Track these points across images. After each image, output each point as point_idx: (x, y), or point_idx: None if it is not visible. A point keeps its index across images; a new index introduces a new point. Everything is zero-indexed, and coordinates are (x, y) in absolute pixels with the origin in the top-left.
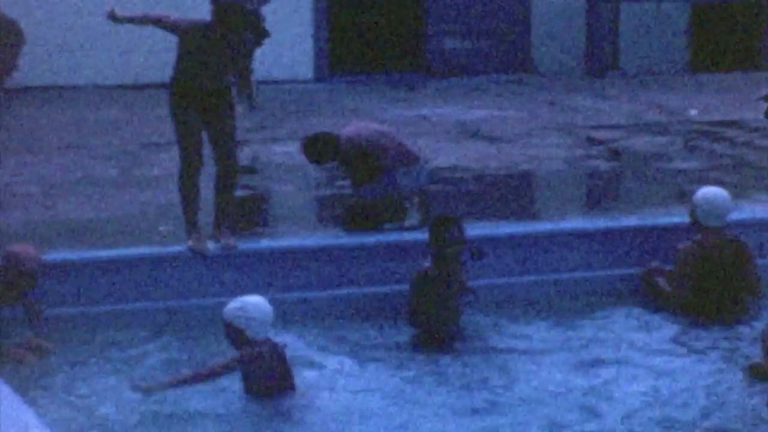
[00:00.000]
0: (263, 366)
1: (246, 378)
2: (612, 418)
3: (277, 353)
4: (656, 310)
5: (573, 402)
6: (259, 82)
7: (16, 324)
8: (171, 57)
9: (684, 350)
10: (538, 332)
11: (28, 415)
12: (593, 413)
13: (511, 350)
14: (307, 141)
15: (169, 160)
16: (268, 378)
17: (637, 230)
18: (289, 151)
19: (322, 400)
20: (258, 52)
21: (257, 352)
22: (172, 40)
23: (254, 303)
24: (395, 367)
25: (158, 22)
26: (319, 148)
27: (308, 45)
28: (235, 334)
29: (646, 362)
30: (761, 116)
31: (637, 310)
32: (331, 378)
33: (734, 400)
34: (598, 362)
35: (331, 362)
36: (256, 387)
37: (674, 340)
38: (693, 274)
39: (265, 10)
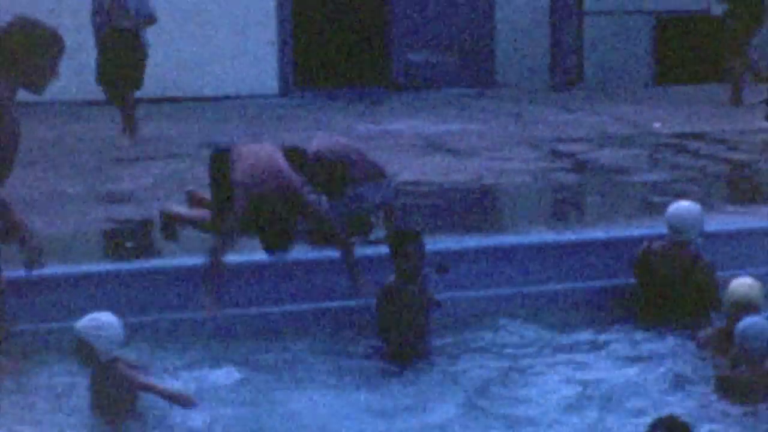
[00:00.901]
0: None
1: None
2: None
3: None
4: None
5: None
6: (224, 98)
7: None
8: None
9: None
10: (506, 346)
11: None
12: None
13: (481, 366)
14: None
15: (134, 176)
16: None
17: (603, 243)
18: None
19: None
20: (223, 67)
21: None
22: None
23: (108, 321)
24: (364, 382)
25: None
26: (286, 160)
27: (273, 59)
28: (87, 350)
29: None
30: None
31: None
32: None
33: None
34: (570, 380)
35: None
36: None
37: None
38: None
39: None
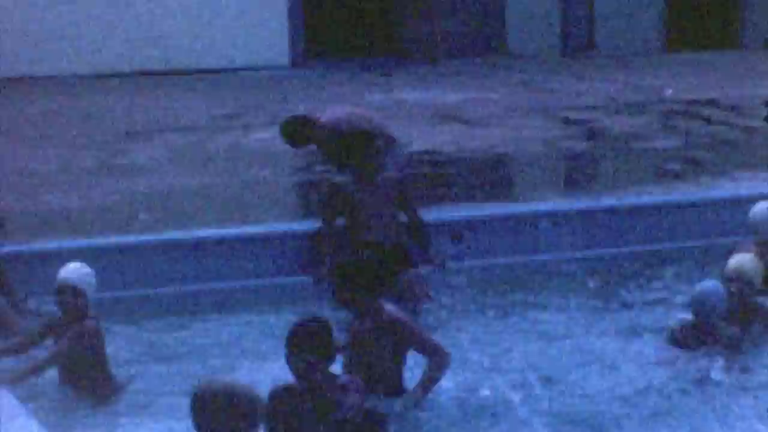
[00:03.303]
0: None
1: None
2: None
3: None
4: None
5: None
6: (234, 69)
7: None
8: (148, 45)
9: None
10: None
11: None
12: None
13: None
14: (285, 123)
15: (148, 150)
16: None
17: (615, 210)
18: (265, 138)
19: None
20: (233, 38)
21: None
22: (149, 27)
23: (89, 270)
24: None
25: None
26: (295, 129)
27: (284, 31)
28: (76, 297)
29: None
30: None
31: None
32: None
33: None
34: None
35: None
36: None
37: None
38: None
39: None
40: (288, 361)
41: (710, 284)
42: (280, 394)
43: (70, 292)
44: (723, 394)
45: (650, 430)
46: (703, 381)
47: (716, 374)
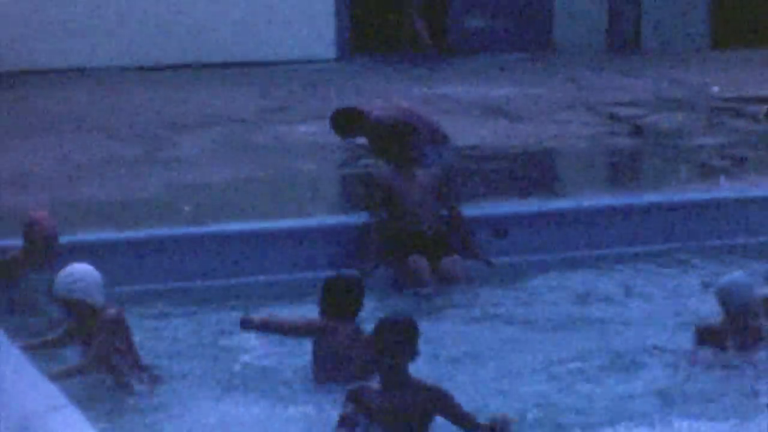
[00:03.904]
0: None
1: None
2: None
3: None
4: None
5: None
6: (280, 62)
7: None
8: (194, 37)
9: None
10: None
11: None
12: None
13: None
14: (335, 114)
15: (192, 141)
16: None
17: (660, 206)
18: (311, 131)
19: None
20: (279, 31)
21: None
22: (197, 20)
23: (82, 269)
24: None
25: None
26: (346, 120)
27: (330, 24)
28: (80, 307)
29: None
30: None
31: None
32: None
33: None
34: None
35: None
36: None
37: None
38: None
39: None
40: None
41: (738, 276)
42: (362, 392)
43: (63, 304)
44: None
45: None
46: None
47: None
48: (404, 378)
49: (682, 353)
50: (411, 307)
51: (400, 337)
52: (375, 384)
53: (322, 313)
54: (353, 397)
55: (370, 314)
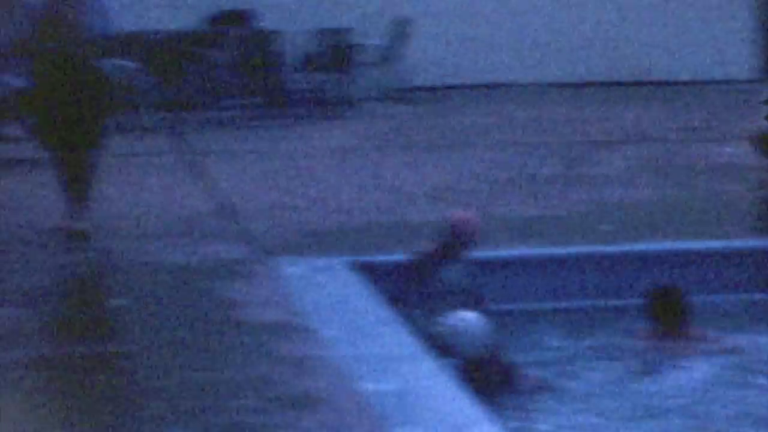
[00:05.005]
0: None
1: None
2: None
3: None
4: None
5: None
6: (698, 82)
7: None
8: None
9: None
10: None
11: None
12: None
13: None
14: (759, 136)
15: (612, 159)
16: None
17: None
18: (733, 152)
19: None
20: (697, 51)
21: None
22: (617, 39)
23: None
24: None
25: None
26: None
27: (747, 43)
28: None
29: None
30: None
31: None
32: None
33: None
34: None
35: None
36: None
37: None
38: None
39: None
40: None
41: None
42: None
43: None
44: None
45: None
46: None
47: None
48: None
49: None
50: None
51: None
52: None
53: None
54: None
55: None
